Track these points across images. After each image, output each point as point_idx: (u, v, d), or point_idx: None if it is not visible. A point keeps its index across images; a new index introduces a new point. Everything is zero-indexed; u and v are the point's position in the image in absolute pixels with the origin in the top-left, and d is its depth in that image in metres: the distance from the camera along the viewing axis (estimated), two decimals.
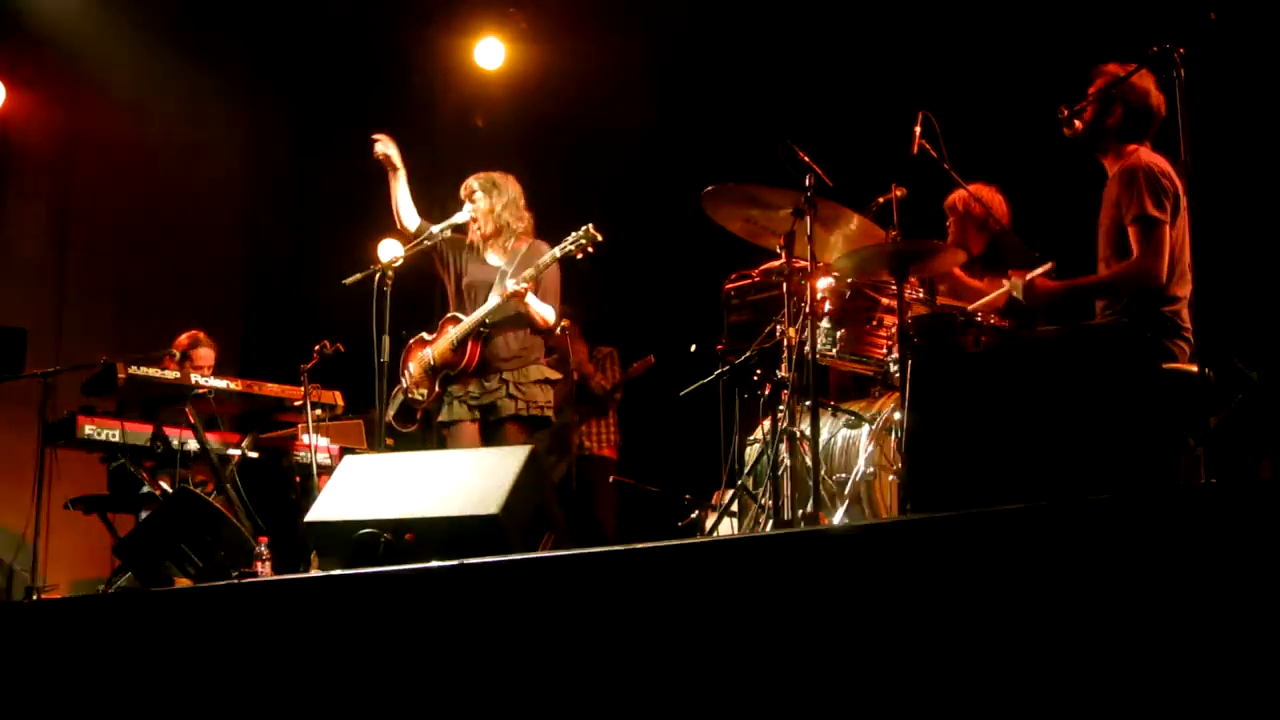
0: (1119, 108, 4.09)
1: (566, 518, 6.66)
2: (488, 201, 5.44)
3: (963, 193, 4.90)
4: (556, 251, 5.21)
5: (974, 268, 5.00)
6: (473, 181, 5.50)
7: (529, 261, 5.32)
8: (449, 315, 5.43)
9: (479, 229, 5.43)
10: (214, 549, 4.94)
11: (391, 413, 5.47)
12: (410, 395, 5.41)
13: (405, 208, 5.51)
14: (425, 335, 5.48)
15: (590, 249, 5.19)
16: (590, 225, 5.17)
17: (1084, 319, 4.26)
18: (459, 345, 5.29)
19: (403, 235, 5.56)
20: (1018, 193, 5.13)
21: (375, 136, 5.49)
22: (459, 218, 5.43)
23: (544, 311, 5.31)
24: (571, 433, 7.47)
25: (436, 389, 5.37)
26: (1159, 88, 4.07)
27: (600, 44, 7.52)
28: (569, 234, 5.21)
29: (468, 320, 5.29)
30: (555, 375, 5.48)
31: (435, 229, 5.42)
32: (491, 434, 5.30)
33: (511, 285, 5.17)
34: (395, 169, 5.47)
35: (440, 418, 5.37)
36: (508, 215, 5.44)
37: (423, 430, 5.61)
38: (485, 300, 5.29)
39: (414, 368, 5.43)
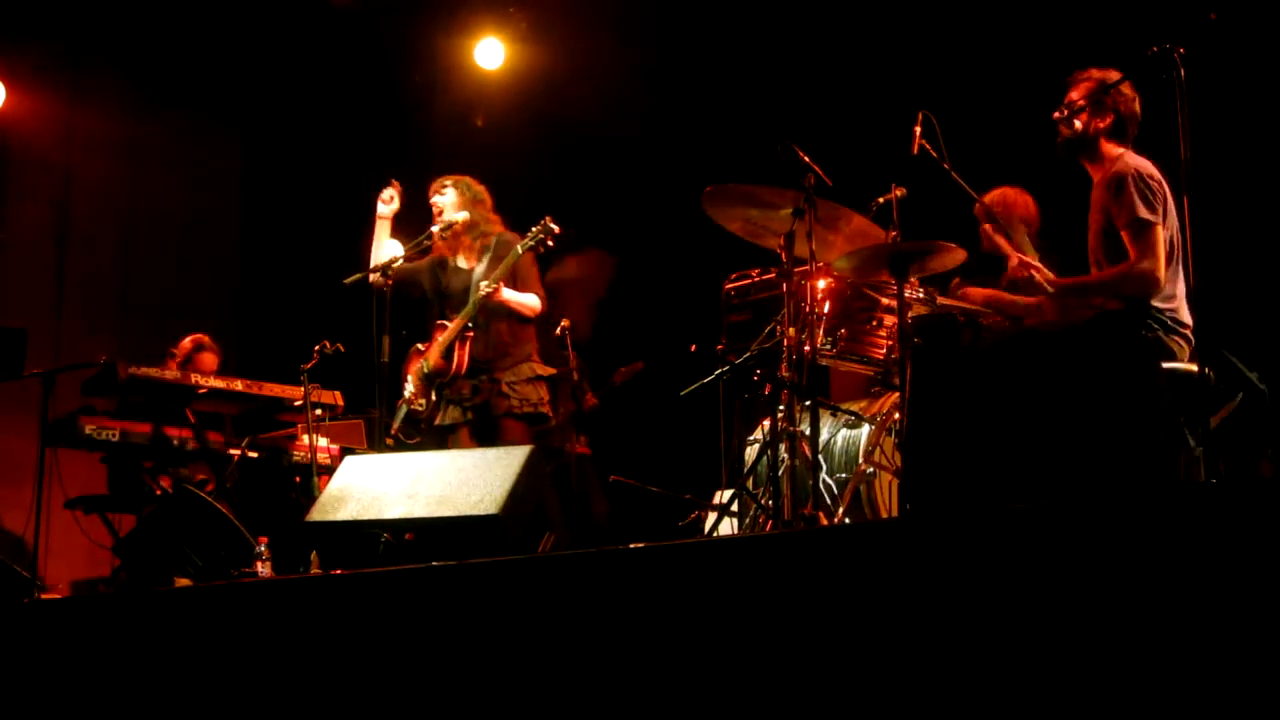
0: (1110, 113, 4.10)
1: (566, 518, 6.63)
2: (457, 196, 5.47)
3: (994, 195, 4.86)
4: (519, 248, 5.29)
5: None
6: (445, 179, 5.57)
7: (498, 254, 5.36)
8: (438, 323, 5.48)
9: (445, 225, 5.45)
10: (214, 549, 4.94)
11: (397, 425, 5.49)
12: (412, 406, 5.45)
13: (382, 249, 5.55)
14: (420, 346, 5.53)
15: (551, 241, 5.29)
16: (548, 217, 5.28)
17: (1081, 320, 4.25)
18: (447, 352, 5.35)
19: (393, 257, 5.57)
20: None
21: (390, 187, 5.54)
22: (458, 215, 5.46)
23: (526, 300, 5.38)
24: (561, 432, 7.29)
25: (434, 397, 5.40)
26: (1136, 91, 4.10)
27: (600, 44, 7.50)
28: (530, 229, 5.30)
29: (451, 327, 5.34)
30: (548, 371, 5.52)
31: (435, 228, 5.46)
32: (488, 432, 5.31)
33: (485, 287, 5.21)
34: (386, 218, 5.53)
35: (436, 422, 5.39)
36: (476, 214, 5.48)
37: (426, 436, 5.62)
38: (464, 305, 5.32)
39: (413, 379, 5.47)
